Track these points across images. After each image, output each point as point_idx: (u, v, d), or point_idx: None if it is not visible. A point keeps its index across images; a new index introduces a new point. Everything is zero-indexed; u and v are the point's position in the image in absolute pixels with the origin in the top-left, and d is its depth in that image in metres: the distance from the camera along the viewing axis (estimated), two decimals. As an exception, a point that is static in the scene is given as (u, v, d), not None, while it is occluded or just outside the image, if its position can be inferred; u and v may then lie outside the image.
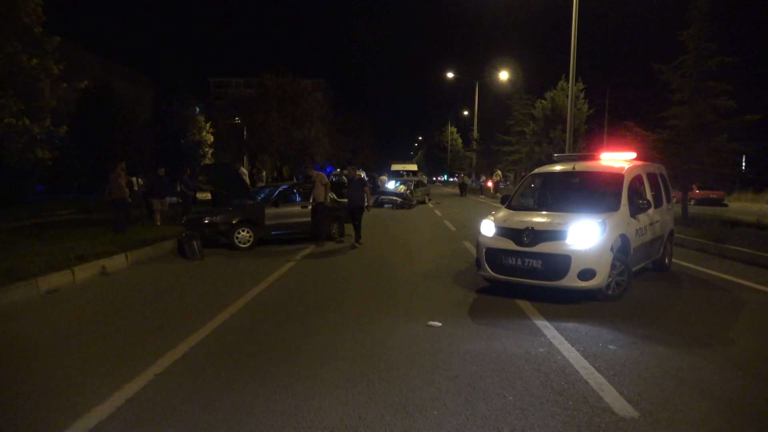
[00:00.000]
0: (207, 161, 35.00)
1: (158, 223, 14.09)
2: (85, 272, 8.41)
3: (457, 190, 43.16)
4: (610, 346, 5.18)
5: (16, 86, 12.24)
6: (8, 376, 4.49)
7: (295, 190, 13.51)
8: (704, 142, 15.33)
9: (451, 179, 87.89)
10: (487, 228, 7.51)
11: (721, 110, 15.60)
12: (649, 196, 8.10)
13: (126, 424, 3.61)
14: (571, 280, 6.56)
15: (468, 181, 43.75)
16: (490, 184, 42.73)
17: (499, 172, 38.87)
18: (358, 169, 12.84)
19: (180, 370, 4.58)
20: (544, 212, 7.69)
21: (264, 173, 26.43)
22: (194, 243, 10.56)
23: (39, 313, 6.48)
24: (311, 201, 12.38)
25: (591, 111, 32.67)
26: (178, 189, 16.50)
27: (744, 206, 28.00)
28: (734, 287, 7.98)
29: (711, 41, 15.50)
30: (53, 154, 13.90)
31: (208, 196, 21.63)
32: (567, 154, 14.35)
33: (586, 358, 4.81)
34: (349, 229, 14.35)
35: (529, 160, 33.15)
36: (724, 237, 11.32)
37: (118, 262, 9.34)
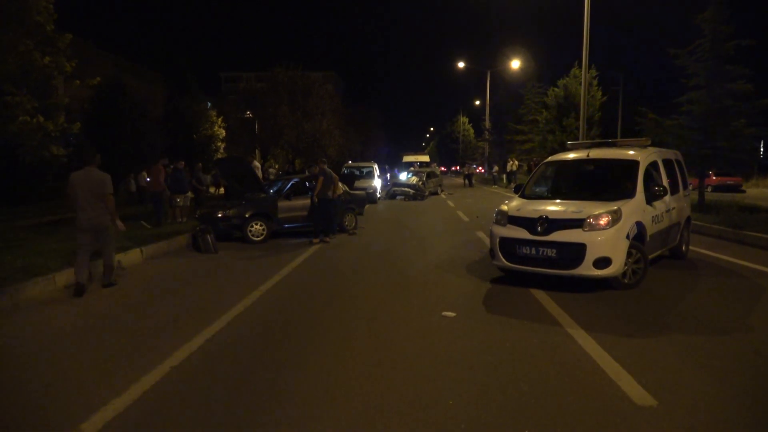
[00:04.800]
0: (219, 155, 35.14)
1: (183, 220, 13.99)
2: (101, 267, 8.46)
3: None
4: (626, 335, 5.12)
5: (29, 84, 12.36)
6: (26, 370, 4.55)
7: (306, 183, 13.51)
8: (721, 127, 15.03)
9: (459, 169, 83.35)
10: (501, 217, 7.46)
11: (738, 94, 15.24)
12: (665, 182, 7.97)
13: (143, 417, 3.64)
14: (586, 269, 6.49)
15: (474, 171, 43.31)
16: (480, 169, 42.94)
17: (516, 161, 38.53)
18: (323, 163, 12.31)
19: (196, 363, 4.61)
20: (558, 201, 7.60)
21: (272, 169, 26.07)
22: (208, 237, 10.62)
23: (56, 307, 6.56)
24: (315, 197, 11.72)
25: (605, 98, 32.21)
26: (192, 184, 16.60)
27: (763, 192, 27.54)
28: (753, 274, 7.84)
29: (728, 24, 15.16)
30: (68, 151, 14.02)
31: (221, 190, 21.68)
32: (581, 141, 14.20)
33: (602, 347, 4.76)
34: (362, 221, 14.35)
35: (542, 148, 32.82)
36: (743, 223, 11.11)
37: (133, 256, 9.43)
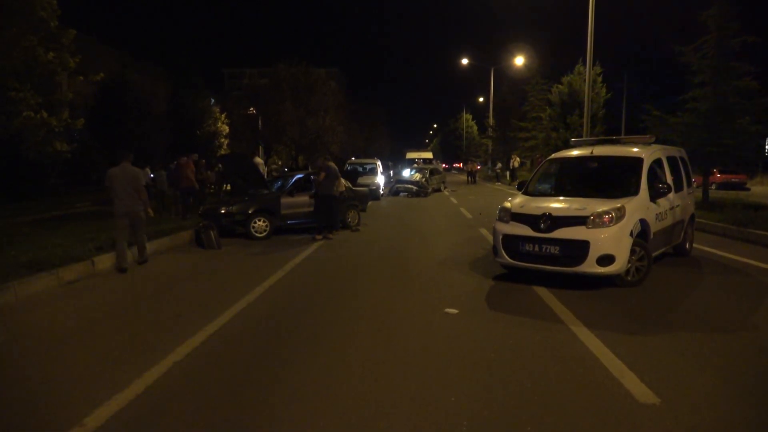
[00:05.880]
0: (222, 152, 35.17)
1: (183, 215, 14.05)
2: (104, 263, 8.51)
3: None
4: (629, 332, 5.10)
5: (33, 80, 12.39)
6: (30, 365, 4.57)
7: (311, 179, 13.50)
8: (726, 125, 14.96)
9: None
10: (504, 214, 7.44)
11: (743, 91, 15.19)
12: (669, 180, 7.94)
13: (146, 411, 3.65)
14: (589, 266, 6.48)
15: (476, 168, 43.09)
16: (479, 166, 43.00)
17: (518, 158, 38.47)
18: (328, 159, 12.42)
19: (199, 358, 4.62)
20: (561, 198, 7.58)
21: (275, 165, 25.76)
22: (211, 233, 10.63)
23: (60, 303, 6.58)
24: (314, 193, 12.04)
25: (609, 95, 32.10)
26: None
27: (767, 190, 27.41)
28: (757, 272, 7.82)
29: (734, 20, 15.07)
30: (71, 147, 14.05)
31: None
32: (584, 138, 14.16)
33: (605, 345, 4.75)
34: (364, 217, 14.35)
35: (545, 146, 32.75)
36: (747, 221, 11.07)
37: (136, 252, 9.42)
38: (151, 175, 18.01)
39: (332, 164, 12.21)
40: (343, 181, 12.91)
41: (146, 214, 8.86)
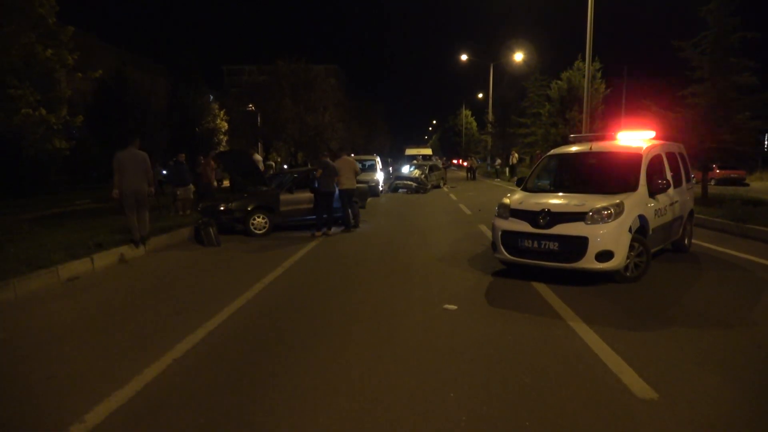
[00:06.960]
0: (222, 148, 35.17)
1: (182, 213, 13.96)
2: (104, 260, 8.52)
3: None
4: (628, 328, 5.12)
5: (32, 77, 12.35)
6: (30, 362, 4.57)
7: (310, 176, 13.49)
8: (725, 120, 14.95)
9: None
10: (503, 210, 7.45)
11: (743, 87, 15.17)
12: (668, 175, 7.94)
13: (146, 408, 3.66)
14: (588, 262, 6.49)
15: (476, 164, 43.09)
16: (466, 164, 43.35)
17: (516, 154, 38.49)
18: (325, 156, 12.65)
19: (198, 355, 4.63)
20: (560, 194, 7.58)
21: (271, 162, 25.57)
22: (210, 230, 10.64)
23: (59, 300, 6.59)
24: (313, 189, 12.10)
25: (608, 91, 32.00)
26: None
27: (766, 185, 27.41)
28: (756, 267, 7.82)
29: (733, 16, 15.04)
30: (70, 144, 14.01)
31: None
32: (584, 134, 14.15)
33: (604, 340, 4.76)
34: (364, 214, 14.35)
35: (544, 141, 32.70)
36: (746, 217, 11.07)
37: (136, 249, 9.45)
38: (164, 172, 18.11)
39: (348, 158, 12.54)
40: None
41: (149, 193, 9.67)
